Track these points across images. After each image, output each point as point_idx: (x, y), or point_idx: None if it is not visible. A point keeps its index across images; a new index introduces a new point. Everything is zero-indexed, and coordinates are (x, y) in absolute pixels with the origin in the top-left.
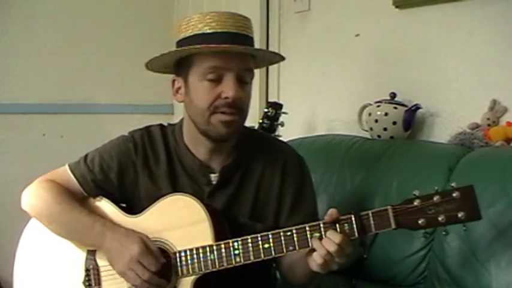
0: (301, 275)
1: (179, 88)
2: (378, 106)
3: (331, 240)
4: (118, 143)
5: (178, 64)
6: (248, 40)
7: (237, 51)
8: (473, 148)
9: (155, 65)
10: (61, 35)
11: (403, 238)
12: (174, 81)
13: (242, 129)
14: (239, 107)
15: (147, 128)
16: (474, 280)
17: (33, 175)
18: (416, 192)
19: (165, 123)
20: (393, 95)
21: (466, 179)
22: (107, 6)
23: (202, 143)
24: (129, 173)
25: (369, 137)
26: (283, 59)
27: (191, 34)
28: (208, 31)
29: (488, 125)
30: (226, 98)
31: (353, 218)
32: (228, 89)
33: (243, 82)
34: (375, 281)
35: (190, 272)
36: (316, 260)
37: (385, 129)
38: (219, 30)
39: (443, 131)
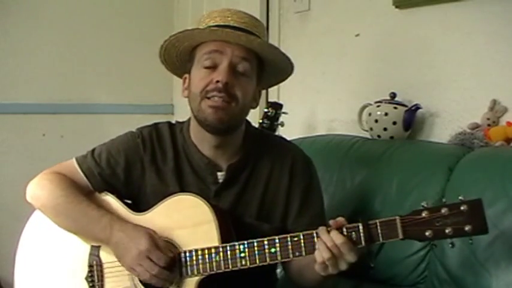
0: (310, 280)
1: (187, 85)
2: (378, 106)
3: (333, 240)
4: (126, 139)
5: (189, 61)
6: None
7: (231, 39)
8: (473, 148)
9: (172, 64)
10: (61, 35)
11: None
12: (184, 79)
13: (248, 127)
14: (231, 94)
15: (156, 125)
16: (474, 280)
17: (33, 175)
18: (425, 203)
19: (173, 121)
20: (393, 95)
21: (466, 179)
22: (107, 6)
23: (205, 138)
24: (136, 168)
25: (369, 137)
26: (290, 61)
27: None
28: (211, 24)
29: (488, 125)
30: (217, 82)
31: (360, 227)
32: (219, 73)
33: (239, 72)
34: (375, 280)
35: (195, 272)
36: (317, 258)
37: (385, 129)
38: (220, 24)
39: (443, 131)
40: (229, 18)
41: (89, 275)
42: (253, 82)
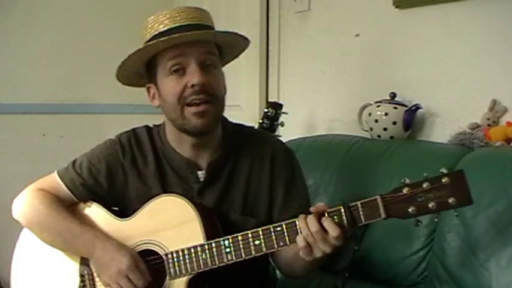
0: (299, 269)
1: (154, 94)
2: (378, 106)
3: (317, 225)
4: (105, 147)
5: (147, 71)
6: (205, 29)
7: (193, 39)
8: (473, 148)
9: (127, 78)
10: (61, 35)
11: (403, 238)
12: (148, 88)
13: (225, 123)
14: (209, 93)
15: (134, 130)
16: (474, 280)
17: (33, 175)
18: (406, 180)
19: (151, 125)
20: (393, 95)
21: None
22: (107, 6)
23: (185, 141)
24: (118, 175)
25: (369, 137)
26: (246, 39)
27: (150, 36)
28: (163, 29)
29: (488, 125)
30: (193, 85)
31: (342, 210)
32: (192, 76)
33: (208, 67)
34: (375, 281)
35: (183, 272)
36: (298, 243)
37: (385, 129)
38: (172, 26)
39: (443, 131)
40: (178, 18)
41: (81, 284)
42: (221, 71)
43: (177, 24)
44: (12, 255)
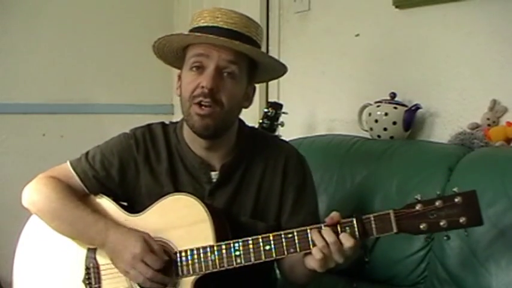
0: (302, 275)
1: (180, 84)
2: (378, 106)
3: (333, 236)
4: (119, 140)
5: (183, 58)
6: (241, 37)
7: (217, 43)
8: (473, 148)
9: (163, 53)
10: (61, 35)
11: (403, 238)
12: (179, 76)
13: (242, 126)
14: (216, 99)
15: (149, 126)
16: (474, 280)
17: (33, 175)
18: (419, 196)
19: (167, 122)
20: (393, 95)
21: (466, 179)
22: (107, 6)
23: (196, 140)
24: (131, 169)
25: (369, 137)
26: (283, 66)
27: (190, 28)
28: (201, 25)
29: (488, 125)
30: (202, 87)
31: (355, 222)
32: (204, 78)
33: (226, 76)
34: (375, 281)
35: (191, 272)
36: (314, 255)
37: (385, 129)
38: (210, 24)
39: (443, 131)
40: (218, 19)
41: (86, 277)
42: (243, 83)
43: (215, 24)
44: (13, 255)
